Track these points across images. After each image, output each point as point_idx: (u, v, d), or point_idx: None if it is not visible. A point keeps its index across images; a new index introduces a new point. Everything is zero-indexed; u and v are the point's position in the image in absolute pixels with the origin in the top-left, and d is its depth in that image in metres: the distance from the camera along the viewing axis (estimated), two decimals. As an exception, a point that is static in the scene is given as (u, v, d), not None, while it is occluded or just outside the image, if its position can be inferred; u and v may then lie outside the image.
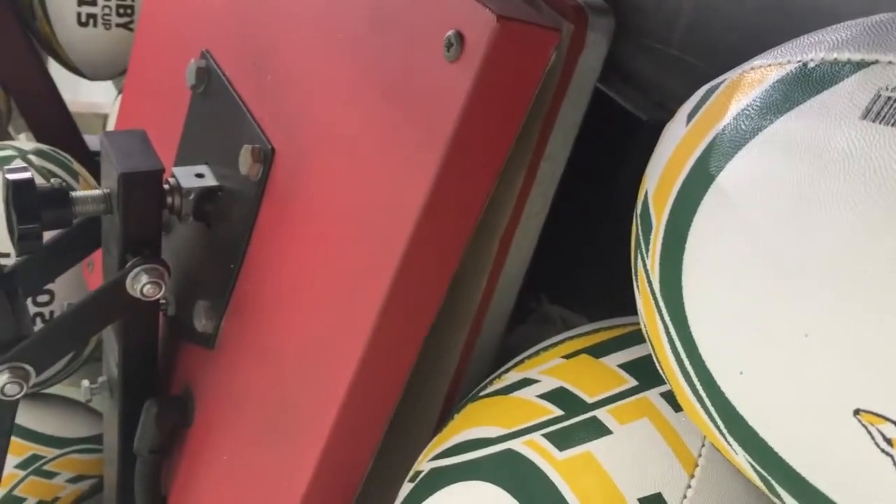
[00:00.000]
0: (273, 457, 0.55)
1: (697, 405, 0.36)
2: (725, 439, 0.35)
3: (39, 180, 0.57)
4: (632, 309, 0.48)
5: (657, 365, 0.39)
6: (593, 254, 0.62)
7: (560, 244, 0.60)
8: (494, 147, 0.45)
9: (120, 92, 1.22)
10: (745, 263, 0.32)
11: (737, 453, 0.35)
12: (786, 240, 0.30)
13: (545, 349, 0.50)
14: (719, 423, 0.35)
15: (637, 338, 0.47)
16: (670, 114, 0.41)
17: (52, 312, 0.93)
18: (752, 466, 0.34)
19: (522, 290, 0.55)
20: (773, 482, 0.33)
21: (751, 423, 0.33)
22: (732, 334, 0.32)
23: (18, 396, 0.58)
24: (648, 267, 0.38)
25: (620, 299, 0.50)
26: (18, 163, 0.91)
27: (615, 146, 0.57)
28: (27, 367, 0.58)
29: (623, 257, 0.42)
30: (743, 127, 0.34)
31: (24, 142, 1.08)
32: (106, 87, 1.47)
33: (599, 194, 0.59)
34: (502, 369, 0.52)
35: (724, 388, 0.33)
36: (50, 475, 0.95)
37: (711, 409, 0.35)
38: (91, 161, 1.08)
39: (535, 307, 0.68)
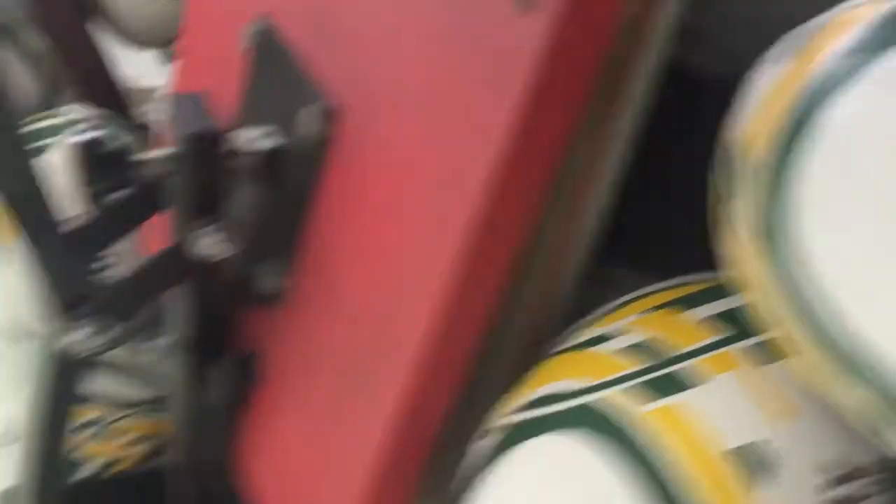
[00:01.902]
0: (348, 409, 0.55)
1: (816, 348, 0.35)
2: (843, 378, 0.34)
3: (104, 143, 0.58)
4: (705, 267, 0.48)
5: (755, 313, 0.38)
6: (664, 214, 0.61)
7: (632, 204, 0.59)
8: (568, 100, 0.44)
9: (163, 63, 1.21)
10: (863, 197, 0.31)
11: (852, 393, 0.34)
12: None
13: (623, 305, 0.50)
14: (841, 361, 0.34)
15: (719, 292, 0.46)
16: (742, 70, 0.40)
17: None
18: (867, 406, 0.33)
19: (595, 252, 0.55)
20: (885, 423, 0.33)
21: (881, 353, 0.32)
22: (862, 265, 0.32)
23: (101, 350, 0.58)
24: (744, 214, 0.37)
25: (693, 259, 0.49)
26: (84, 126, 0.92)
27: (685, 107, 0.56)
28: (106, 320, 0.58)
29: (694, 217, 0.41)
30: (845, 65, 0.33)
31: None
32: (144, 62, 1.47)
33: (670, 153, 0.58)
34: (577, 325, 0.51)
35: (851, 322, 0.33)
36: (113, 436, 0.96)
37: (836, 347, 0.34)
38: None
39: (607, 269, 0.67)
